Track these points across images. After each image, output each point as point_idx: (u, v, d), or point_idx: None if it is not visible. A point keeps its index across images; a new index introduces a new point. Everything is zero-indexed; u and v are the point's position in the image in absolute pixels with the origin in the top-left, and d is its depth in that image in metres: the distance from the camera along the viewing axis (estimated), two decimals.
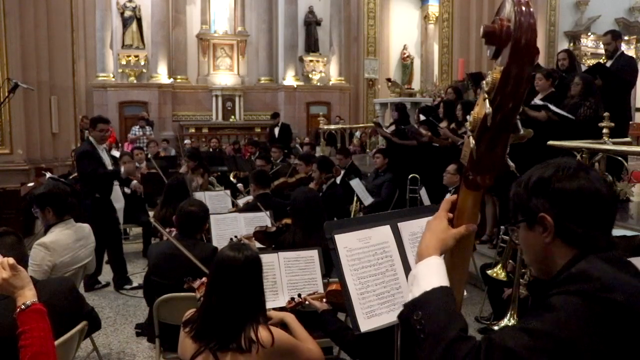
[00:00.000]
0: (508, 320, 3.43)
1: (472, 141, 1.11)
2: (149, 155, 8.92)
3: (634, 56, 12.83)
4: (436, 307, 1.10)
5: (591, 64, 10.12)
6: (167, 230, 3.71)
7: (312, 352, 2.17)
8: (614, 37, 6.52)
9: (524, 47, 1.02)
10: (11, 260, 1.83)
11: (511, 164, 1.15)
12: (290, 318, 2.31)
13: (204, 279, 2.70)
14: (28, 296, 1.79)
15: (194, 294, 2.74)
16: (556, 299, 1.07)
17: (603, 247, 1.18)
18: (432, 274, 1.16)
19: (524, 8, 1.02)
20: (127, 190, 6.65)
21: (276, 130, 12.79)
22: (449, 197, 1.28)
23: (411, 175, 6.91)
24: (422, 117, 7.87)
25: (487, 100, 1.07)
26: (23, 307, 1.77)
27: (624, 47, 7.31)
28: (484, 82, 1.10)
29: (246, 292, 2.06)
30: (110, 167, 5.62)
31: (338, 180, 6.64)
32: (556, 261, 1.20)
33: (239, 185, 7.80)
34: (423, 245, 1.23)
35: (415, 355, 1.14)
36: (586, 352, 1.01)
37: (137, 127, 12.63)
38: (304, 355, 2.13)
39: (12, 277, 1.80)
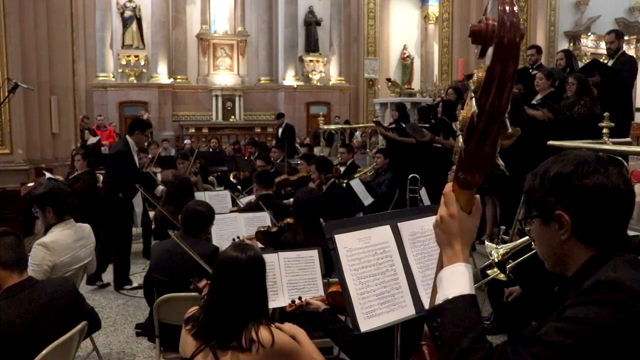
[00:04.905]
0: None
1: (461, 140, 1.11)
2: (150, 156, 8.91)
3: (634, 56, 12.81)
4: (453, 316, 1.11)
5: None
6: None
7: None
8: (617, 36, 6.54)
9: (507, 46, 1.02)
10: None
11: (501, 162, 1.14)
12: (301, 334, 2.17)
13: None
14: None
15: (194, 294, 2.73)
16: (587, 310, 1.06)
17: (620, 246, 1.17)
18: (456, 281, 1.15)
19: (507, 7, 1.02)
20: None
21: (280, 131, 12.82)
22: (447, 190, 1.21)
23: (411, 176, 6.91)
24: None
25: (474, 99, 1.08)
26: None
27: (624, 47, 7.33)
28: (471, 81, 1.10)
29: (249, 292, 2.06)
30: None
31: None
32: (574, 258, 1.19)
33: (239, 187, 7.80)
34: (450, 252, 1.19)
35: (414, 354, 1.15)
36: None
37: None
38: None
39: None
